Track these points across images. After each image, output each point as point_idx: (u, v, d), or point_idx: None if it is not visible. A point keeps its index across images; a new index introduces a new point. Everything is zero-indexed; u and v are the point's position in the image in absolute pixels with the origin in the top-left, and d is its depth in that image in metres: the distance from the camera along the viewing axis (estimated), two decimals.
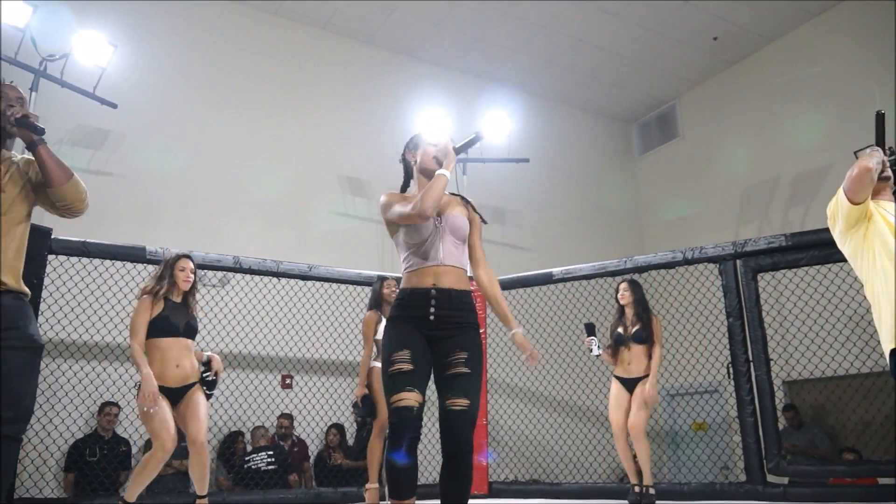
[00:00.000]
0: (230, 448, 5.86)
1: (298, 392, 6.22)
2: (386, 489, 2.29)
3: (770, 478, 4.62)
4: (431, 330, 2.33)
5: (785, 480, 4.79)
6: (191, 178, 6.85)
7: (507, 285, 6.18)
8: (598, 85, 9.20)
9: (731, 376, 4.84)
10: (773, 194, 8.04)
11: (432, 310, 2.32)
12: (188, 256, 3.81)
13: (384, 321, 3.99)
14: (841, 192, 2.53)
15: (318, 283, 5.92)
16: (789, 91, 7.95)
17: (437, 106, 7.55)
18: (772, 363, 4.72)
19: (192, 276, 3.73)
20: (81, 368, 5.10)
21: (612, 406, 4.65)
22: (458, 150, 2.44)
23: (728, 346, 4.95)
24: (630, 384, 4.65)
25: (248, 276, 5.60)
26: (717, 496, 4.64)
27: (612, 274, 5.64)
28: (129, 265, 5.14)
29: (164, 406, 3.44)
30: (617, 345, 4.74)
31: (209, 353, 3.81)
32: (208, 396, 3.66)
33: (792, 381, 5.66)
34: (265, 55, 7.63)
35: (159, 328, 3.52)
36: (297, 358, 6.22)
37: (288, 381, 6.49)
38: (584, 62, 8.67)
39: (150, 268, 5.14)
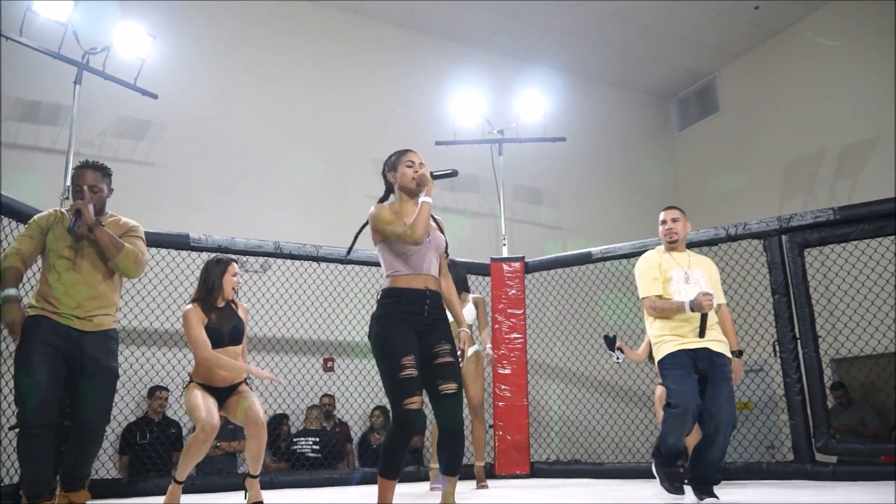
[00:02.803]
0: (275, 431, 5.96)
1: (340, 374, 6.31)
2: (379, 464, 2.62)
3: (819, 457, 4.54)
4: (423, 325, 2.70)
5: (834, 459, 4.70)
6: (230, 165, 6.95)
7: (545, 266, 6.15)
8: (634, 60, 9.02)
9: (778, 354, 4.75)
10: (818, 168, 7.82)
11: (426, 307, 2.70)
12: (234, 260, 3.68)
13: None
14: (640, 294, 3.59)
15: (357, 267, 5.97)
16: (834, 60, 7.69)
17: (472, 87, 7.49)
18: (820, 340, 4.62)
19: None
20: (133, 353, 5.26)
21: (658, 408, 4.68)
22: (434, 177, 2.77)
23: (774, 324, 4.85)
24: None
25: (288, 261, 5.67)
26: (764, 475, 4.57)
27: None
28: (173, 252, 5.25)
29: (207, 398, 3.41)
30: None
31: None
32: None
33: (841, 358, 5.53)
34: (299, 42, 7.66)
35: (210, 339, 3.42)
36: (339, 341, 6.30)
37: (330, 364, 6.58)
38: (619, 37, 8.50)
39: (194, 254, 5.26)
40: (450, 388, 2.64)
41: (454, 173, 2.80)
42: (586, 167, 8.97)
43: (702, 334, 3.38)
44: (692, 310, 3.32)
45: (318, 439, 5.79)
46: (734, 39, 8.59)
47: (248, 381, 3.62)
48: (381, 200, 2.89)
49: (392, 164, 2.88)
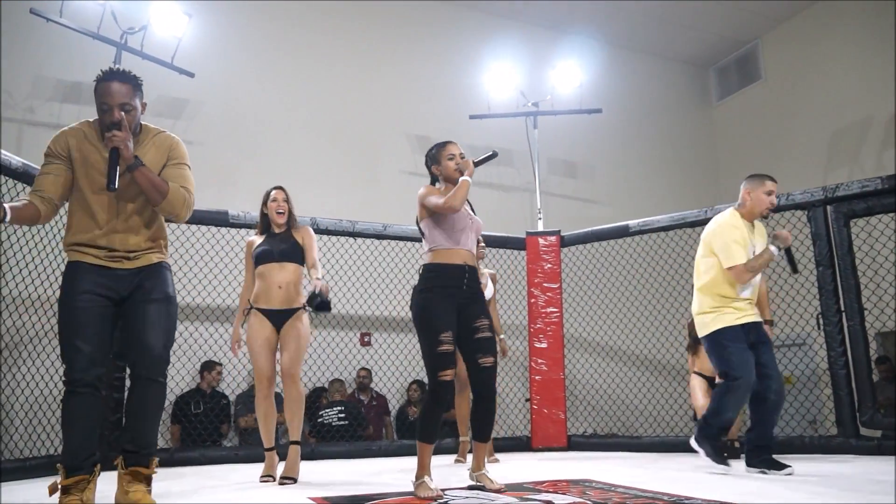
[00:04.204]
0: (314, 403, 6.08)
1: (378, 349, 6.38)
2: (417, 431, 2.88)
3: (863, 431, 4.47)
4: (463, 298, 2.92)
5: (878, 434, 4.62)
6: (266, 142, 7.01)
7: (581, 239, 6.10)
8: (672, 28, 8.80)
9: (821, 328, 4.66)
10: (865, 136, 7.57)
11: (465, 281, 2.92)
12: (279, 187, 3.83)
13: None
14: (728, 263, 3.42)
15: (393, 242, 6.01)
16: (880, 25, 7.38)
17: (506, 59, 7.41)
18: (865, 313, 4.51)
19: (286, 205, 3.77)
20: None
21: (697, 395, 4.69)
22: (476, 164, 2.99)
23: (817, 297, 4.76)
24: (713, 382, 4.61)
25: (325, 237, 5.72)
26: (807, 449, 4.52)
27: (692, 225, 5.47)
28: (213, 229, 5.35)
29: (261, 346, 3.54)
30: (697, 343, 4.70)
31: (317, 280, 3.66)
32: (321, 304, 3.44)
33: (887, 332, 5.39)
34: (333, 18, 7.65)
35: (258, 257, 3.66)
36: (375, 316, 6.37)
37: (366, 338, 6.66)
38: (657, 4, 8.28)
39: (234, 231, 5.36)
40: (487, 361, 2.91)
41: (495, 154, 3.04)
42: (623, 139, 8.84)
43: (794, 269, 3.54)
44: (779, 249, 3.39)
45: (343, 408, 5.86)
46: (777, 5, 8.31)
47: (306, 307, 3.59)
48: (432, 184, 3.12)
49: (434, 158, 3.08)
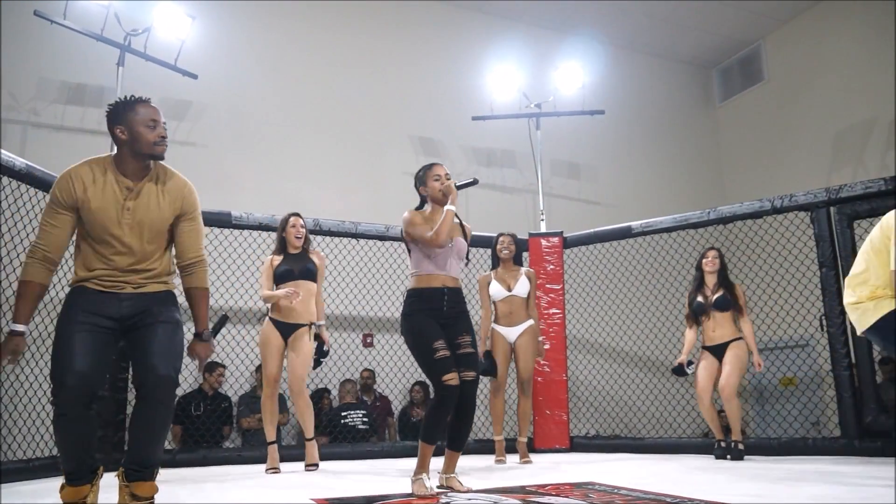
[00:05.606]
0: (317, 404, 6.08)
1: (380, 350, 6.38)
2: (421, 431, 2.99)
3: None
4: (444, 318, 3.06)
5: None
6: (269, 144, 7.02)
7: (584, 241, 6.10)
8: (675, 29, 8.79)
9: (825, 329, 4.65)
10: (868, 137, 7.56)
11: (445, 301, 3.06)
12: (297, 214, 4.32)
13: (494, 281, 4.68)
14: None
15: (395, 243, 6.01)
16: (886, 24, 7.37)
17: (509, 60, 7.40)
18: None
19: (303, 230, 4.28)
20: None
21: (700, 373, 4.58)
22: (458, 188, 3.10)
23: (820, 298, 4.75)
24: (718, 350, 4.56)
25: (327, 238, 5.73)
26: (810, 451, 4.50)
27: (695, 226, 5.48)
28: (216, 230, 5.36)
29: (271, 352, 4.10)
30: (697, 314, 4.64)
31: (322, 324, 4.34)
32: (318, 363, 4.33)
33: None
34: (336, 20, 7.65)
35: (279, 276, 4.16)
36: (378, 317, 6.36)
37: (369, 339, 6.66)
38: (660, 5, 8.28)
39: (237, 232, 5.37)
40: (469, 375, 3.02)
41: (475, 182, 3.17)
42: (625, 140, 8.83)
43: None
44: None
45: (365, 412, 5.90)
46: (780, 5, 8.29)
47: (311, 325, 4.21)
48: (418, 208, 3.22)
49: (421, 179, 3.19)
